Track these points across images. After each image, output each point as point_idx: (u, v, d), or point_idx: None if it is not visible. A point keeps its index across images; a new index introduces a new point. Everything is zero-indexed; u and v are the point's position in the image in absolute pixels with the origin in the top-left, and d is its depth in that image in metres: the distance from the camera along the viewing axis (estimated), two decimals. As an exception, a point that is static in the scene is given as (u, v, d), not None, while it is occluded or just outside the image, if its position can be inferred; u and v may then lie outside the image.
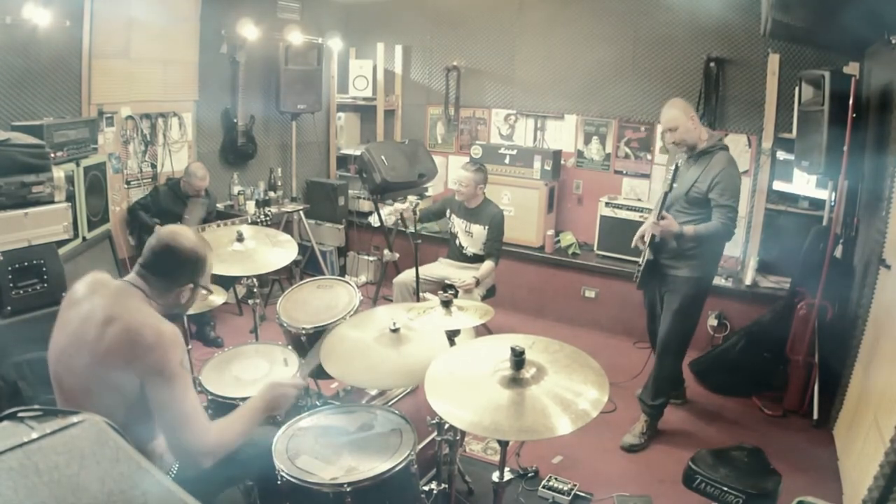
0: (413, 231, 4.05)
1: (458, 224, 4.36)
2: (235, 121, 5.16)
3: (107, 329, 1.68)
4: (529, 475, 3.05)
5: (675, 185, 3.13)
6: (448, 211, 4.44)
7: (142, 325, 1.70)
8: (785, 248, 4.36)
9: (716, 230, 3.08)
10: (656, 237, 3.20)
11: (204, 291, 1.98)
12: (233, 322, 4.86)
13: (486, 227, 4.24)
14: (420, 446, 2.18)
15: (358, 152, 5.27)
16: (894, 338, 2.73)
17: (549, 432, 1.62)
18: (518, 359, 1.78)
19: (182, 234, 1.89)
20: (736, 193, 3.12)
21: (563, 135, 5.38)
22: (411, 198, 4.45)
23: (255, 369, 2.60)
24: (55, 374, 1.77)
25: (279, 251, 3.06)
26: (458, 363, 1.95)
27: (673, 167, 3.11)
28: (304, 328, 2.78)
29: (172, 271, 1.85)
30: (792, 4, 3.33)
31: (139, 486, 0.87)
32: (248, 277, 3.08)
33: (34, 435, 0.87)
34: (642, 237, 3.42)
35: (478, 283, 4.07)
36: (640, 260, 3.47)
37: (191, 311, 2.79)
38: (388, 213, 4.41)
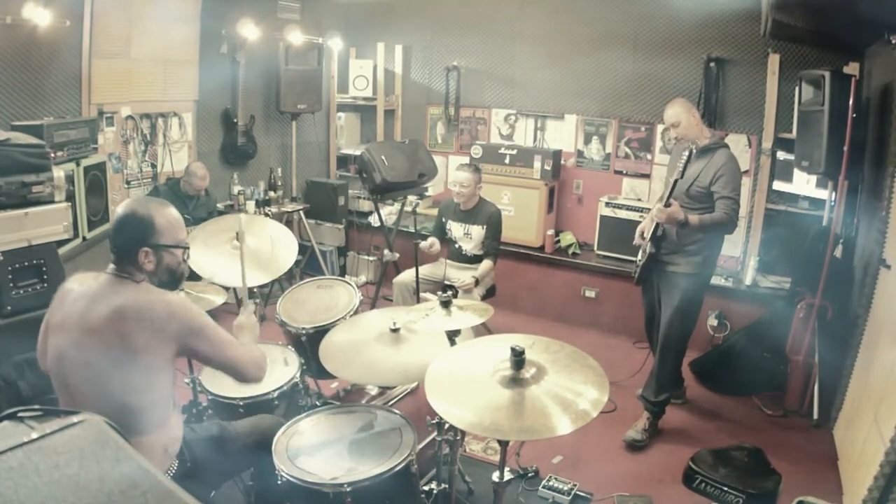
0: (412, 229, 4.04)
1: (456, 229, 4.35)
2: (235, 121, 5.16)
3: (119, 318, 1.70)
4: (529, 475, 3.05)
5: (685, 173, 3.14)
6: (444, 219, 4.43)
7: (148, 303, 1.74)
8: (785, 248, 4.36)
9: (720, 219, 3.12)
10: (661, 226, 3.22)
11: (176, 251, 1.88)
12: (233, 322, 4.85)
13: (485, 227, 4.23)
14: (420, 446, 2.18)
15: (358, 152, 5.26)
16: (894, 338, 2.73)
17: (549, 432, 1.62)
18: (518, 359, 1.78)
19: (122, 205, 1.87)
20: (738, 187, 3.17)
21: (563, 135, 5.38)
22: (412, 198, 4.44)
23: (255, 369, 2.60)
24: (58, 372, 1.77)
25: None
26: (458, 363, 1.95)
27: (686, 154, 3.10)
28: (304, 328, 2.79)
29: (124, 242, 1.82)
30: (792, 4, 3.33)
31: (139, 486, 0.87)
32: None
33: (34, 435, 0.87)
34: (642, 233, 3.43)
35: (477, 282, 4.07)
36: (638, 257, 3.49)
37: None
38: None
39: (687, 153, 3.11)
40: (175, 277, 1.93)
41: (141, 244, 1.81)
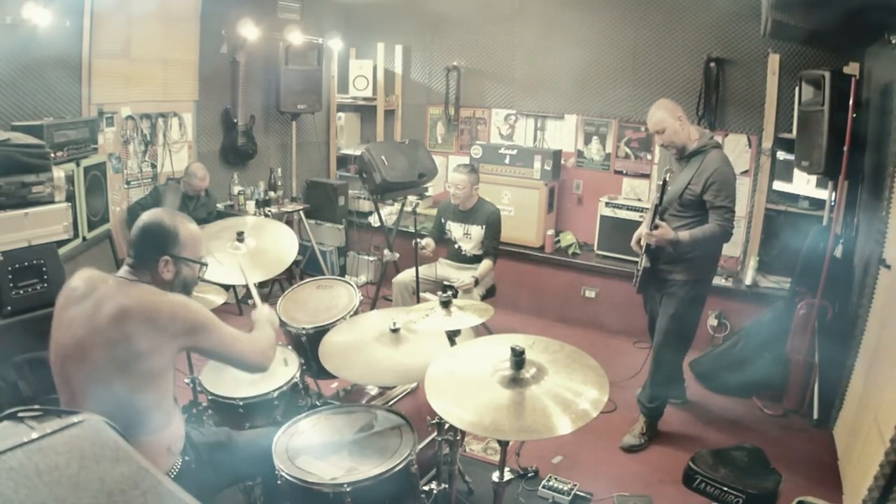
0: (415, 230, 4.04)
1: (455, 229, 4.35)
2: (235, 121, 5.16)
3: (123, 319, 1.71)
4: (529, 475, 3.05)
5: (664, 198, 3.05)
6: (443, 219, 4.43)
7: (153, 303, 1.76)
8: (785, 248, 4.36)
9: (713, 233, 3.03)
10: (652, 246, 3.14)
11: (194, 265, 1.95)
12: (233, 322, 4.78)
13: (484, 227, 4.24)
14: (420, 446, 2.18)
15: (358, 152, 5.27)
16: (894, 338, 2.73)
17: (549, 432, 1.62)
18: (518, 359, 1.78)
19: (149, 212, 1.92)
20: (732, 193, 3.05)
21: (563, 135, 5.38)
22: (412, 198, 4.44)
23: (255, 369, 2.59)
24: (62, 371, 1.77)
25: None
26: (458, 363, 1.94)
27: (660, 182, 3.02)
28: (304, 328, 2.78)
29: (145, 249, 1.86)
30: (792, 4, 3.33)
31: (139, 486, 0.87)
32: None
33: (34, 435, 0.87)
34: (638, 241, 3.40)
35: (477, 282, 4.07)
36: (638, 262, 3.46)
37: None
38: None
39: (661, 182, 3.00)
40: (188, 290, 1.99)
41: (163, 252, 1.86)
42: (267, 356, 2.01)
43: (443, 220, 4.42)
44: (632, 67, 4.97)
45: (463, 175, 4.19)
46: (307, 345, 2.77)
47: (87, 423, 0.94)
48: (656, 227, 3.04)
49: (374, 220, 5.55)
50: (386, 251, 4.60)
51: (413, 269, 4.04)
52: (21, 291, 2.88)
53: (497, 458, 2.05)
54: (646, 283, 3.37)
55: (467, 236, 4.31)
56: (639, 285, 3.41)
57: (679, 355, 3.44)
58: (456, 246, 4.37)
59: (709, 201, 3.04)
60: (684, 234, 3.03)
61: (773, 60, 4.37)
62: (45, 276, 2.96)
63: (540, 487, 2.94)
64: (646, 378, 3.49)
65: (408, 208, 4.39)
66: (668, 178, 3.06)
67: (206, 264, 2.00)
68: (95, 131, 3.99)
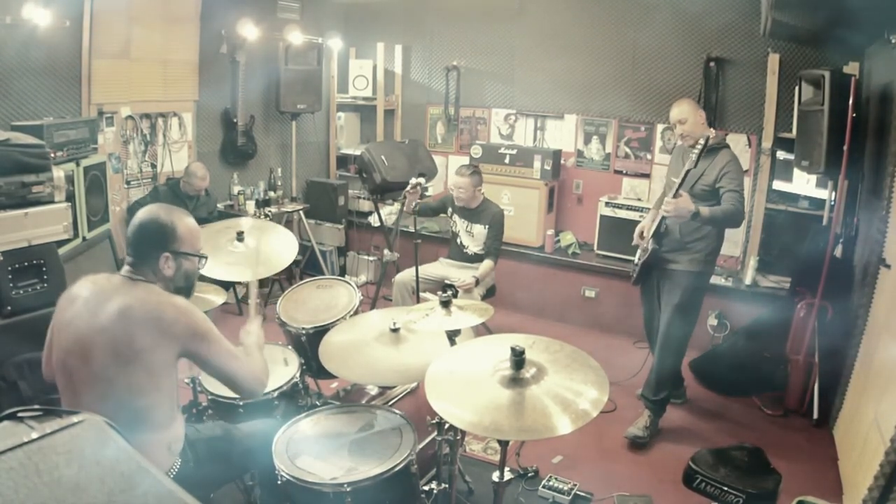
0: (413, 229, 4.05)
1: (459, 223, 4.37)
2: (235, 121, 5.16)
3: (126, 316, 1.72)
4: (529, 475, 3.05)
5: (697, 164, 3.07)
6: (450, 210, 4.44)
7: (157, 304, 1.77)
8: (785, 248, 4.36)
9: (730, 210, 3.11)
10: (664, 222, 3.20)
11: (194, 258, 1.94)
12: (233, 322, 4.85)
13: (487, 227, 4.24)
14: (420, 446, 2.18)
15: (358, 152, 5.27)
16: (894, 338, 2.73)
17: (549, 432, 1.62)
18: (518, 359, 1.78)
19: (144, 210, 1.91)
20: (742, 182, 3.20)
21: (563, 134, 5.38)
22: (414, 180, 4.39)
23: (255, 369, 2.59)
24: (64, 371, 1.77)
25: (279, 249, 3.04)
26: (458, 363, 1.94)
27: (702, 143, 3.02)
28: (304, 328, 2.78)
29: (144, 247, 1.86)
30: (792, 4, 3.33)
31: (139, 486, 0.87)
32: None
33: (34, 435, 0.87)
34: (642, 233, 3.43)
35: (477, 282, 4.07)
36: (636, 257, 3.49)
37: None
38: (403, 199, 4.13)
39: (703, 141, 3.03)
40: (190, 284, 1.98)
41: (162, 249, 1.85)
42: (260, 382, 1.97)
43: (449, 210, 4.43)
44: (632, 67, 4.97)
45: (465, 178, 4.20)
46: (307, 345, 2.77)
47: (88, 423, 0.94)
48: (678, 196, 3.09)
49: (374, 220, 5.55)
50: (386, 251, 4.59)
51: (413, 269, 4.04)
52: (21, 291, 2.88)
53: (497, 458, 2.05)
54: (645, 274, 3.41)
55: (469, 234, 4.32)
56: (636, 277, 3.47)
57: (683, 346, 3.46)
58: (458, 241, 4.38)
59: (723, 186, 3.15)
60: (704, 209, 3.10)
61: (773, 60, 4.37)
62: (45, 276, 2.96)
63: (540, 487, 2.94)
64: (649, 374, 3.50)
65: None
66: (708, 138, 3.08)
67: (205, 257, 1.99)
68: (95, 131, 3.98)
